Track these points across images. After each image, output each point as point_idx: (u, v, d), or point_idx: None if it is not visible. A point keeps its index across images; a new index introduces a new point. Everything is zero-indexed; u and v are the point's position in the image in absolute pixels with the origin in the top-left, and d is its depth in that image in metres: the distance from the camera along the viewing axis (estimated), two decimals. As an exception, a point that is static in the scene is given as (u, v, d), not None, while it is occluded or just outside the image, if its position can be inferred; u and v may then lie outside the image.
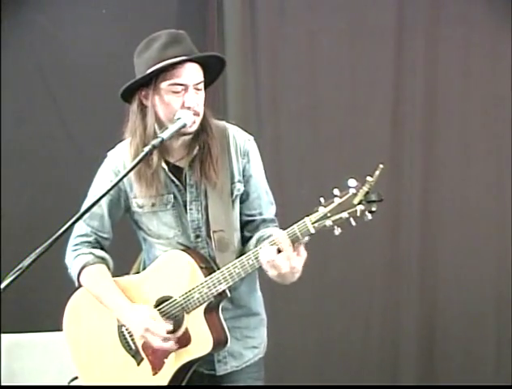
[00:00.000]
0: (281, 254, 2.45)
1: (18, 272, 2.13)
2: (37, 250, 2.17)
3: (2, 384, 3.72)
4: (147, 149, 2.50)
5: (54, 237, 2.20)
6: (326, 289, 4.54)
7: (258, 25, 4.57)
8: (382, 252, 4.61)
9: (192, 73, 2.61)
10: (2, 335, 3.85)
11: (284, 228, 2.50)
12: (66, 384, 2.97)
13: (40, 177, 4.54)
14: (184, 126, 2.58)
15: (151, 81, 2.63)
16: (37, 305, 4.32)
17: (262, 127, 4.51)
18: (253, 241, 2.73)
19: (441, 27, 4.57)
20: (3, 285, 2.11)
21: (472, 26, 4.57)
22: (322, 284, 4.49)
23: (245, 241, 2.79)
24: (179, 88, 2.60)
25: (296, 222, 2.46)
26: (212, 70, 2.70)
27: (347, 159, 4.59)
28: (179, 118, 2.59)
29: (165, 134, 2.53)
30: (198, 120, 2.65)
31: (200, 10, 4.55)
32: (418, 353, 4.61)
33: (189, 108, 2.60)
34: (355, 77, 4.62)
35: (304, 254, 2.48)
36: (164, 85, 2.62)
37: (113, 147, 2.81)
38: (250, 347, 2.82)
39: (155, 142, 2.51)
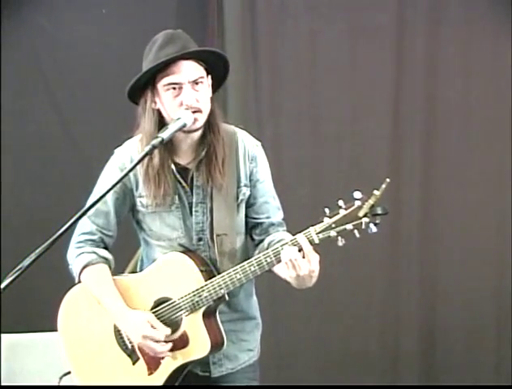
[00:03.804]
0: (302, 255, 2.47)
1: (18, 272, 2.13)
2: (37, 250, 2.16)
3: (2, 384, 3.72)
4: (147, 149, 2.50)
5: (54, 236, 2.20)
6: (326, 289, 4.53)
7: (258, 25, 4.57)
8: (382, 252, 4.61)
9: (186, 70, 2.60)
10: (2, 335, 3.85)
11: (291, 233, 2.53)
12: (59, 379, 2.97)
13: (40, 177, 4.54)
14: (184, 125, 2.58)
15: (149, 83, 2.64)
16: (37, 305, 4.32)
17: (262, 127, 4.50)
18: (264, 245, 2.73)
19: (441, 27, 4.57)
20: (3, 285, 2.11)
21: (472, 26, 4.57)
22: (322, 283, 4.48)
23: (254, 245, 2.80)
24: (174, 87, 2.60)
25: (300, 231, 2.49)
26: (215, 67, 2.69)
27: (347, 159, 4.59)
28: (179, 118, 2.58)
29: (165, 134, 2.53)
30: (202, 117, 2.63)
31: (200, 10, 4.56)
32: (418, 353, 4.61)
33: (187, 106, 2.59)
34: (355, 77, 4.62)
35: (317, 256, 2.50)
36: (160, 85, 2.62)
37: (116, 146, 2.81)
38: (245, 350, 2.83)
39: (154, 142, 2.51)
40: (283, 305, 4.49)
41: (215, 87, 2.71)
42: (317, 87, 4.62)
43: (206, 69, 2.66)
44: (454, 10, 4.57)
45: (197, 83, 2.61)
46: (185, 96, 2.60)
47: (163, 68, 2.60)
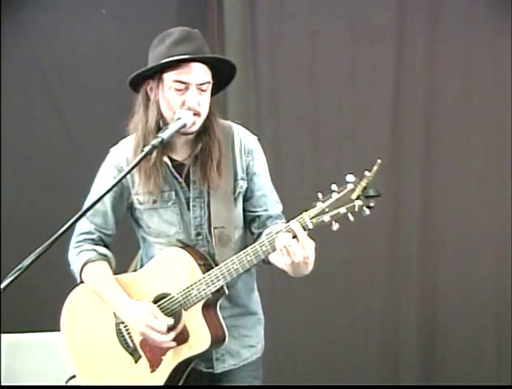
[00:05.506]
0: (296, 241, 2.45)
1: (18, 272, 2.13)
2: (37, 250, 2.16)
3: (2, 384, 3.72)
4: (147, 149, 2.51)
5: (54, 236, 2.20)
6: (326, 289, 4.54)
7: (258, 25, 4.58)
8: (382, 252, 4.61)
9: (197, 72, 2.62)
10: (2, 335, 3.85)
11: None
12: (65, 384, 2.97)
13: (40, 177, 4.54)
14: (184, 126, 2.59)
15: (157, 75, 2.65)
16: (37, 305, 4.32)
17: (262, 127, 4.50)
18: (262, 237, 2.72)
19: (441, 27, 4.57)
20: (3, 285, 2.11)
21: (472, 26, 4.57)
22: (322, 284, 4.49)
23: (253, 238, 2.79)
24: (181, 86, 2.61)
25: (294, 217, 2.48)
26: (222, 74, 2.71)
27: (347, 159, 4.59)
28: (179, 118, 2.60)
29: (165, 134, 2.54)
30: (199, 120, 2.65)
31: (200, 10, 4.56)
32: (418, 353, 4.61)
33: (189, 107, 2.60)
34: (355, 77, 4.62)
35: (312, 243, 2.47)
36: (167, 81, 2.63)
37: (114, 145, 2.81)
38: (247, 346, 2.83)
39: (154, 142, 2.52)
40: (282, 304, 4.49)
41: (214, 91, 2.72)
42: (317, 87, 4.62)
43: (211, 74, 2.68)
44: (454, 10, 4.57)
45: (202, 88, 2.63)
46: (189, 96, 2.61)
47: (174, 65, 2.61)
